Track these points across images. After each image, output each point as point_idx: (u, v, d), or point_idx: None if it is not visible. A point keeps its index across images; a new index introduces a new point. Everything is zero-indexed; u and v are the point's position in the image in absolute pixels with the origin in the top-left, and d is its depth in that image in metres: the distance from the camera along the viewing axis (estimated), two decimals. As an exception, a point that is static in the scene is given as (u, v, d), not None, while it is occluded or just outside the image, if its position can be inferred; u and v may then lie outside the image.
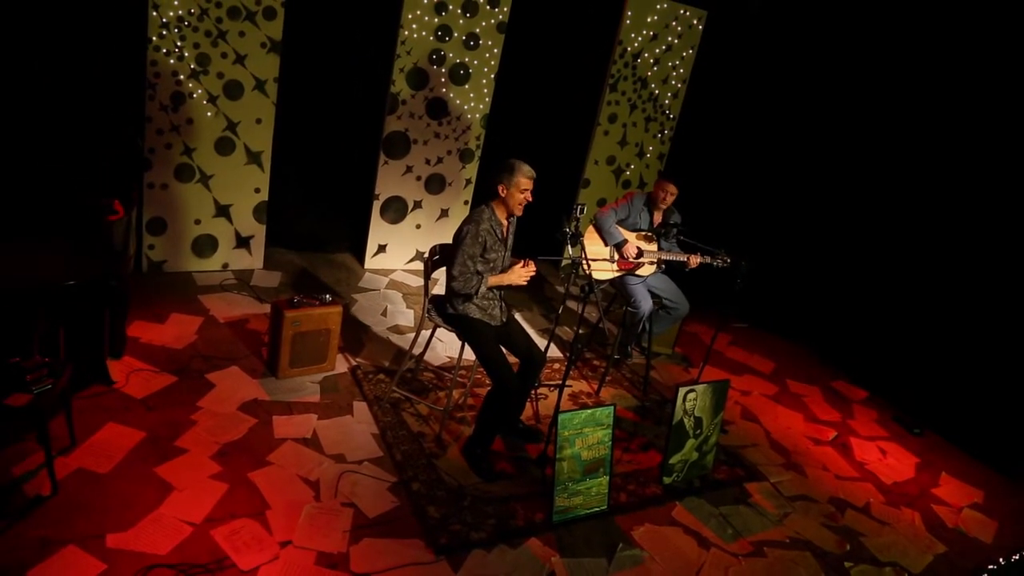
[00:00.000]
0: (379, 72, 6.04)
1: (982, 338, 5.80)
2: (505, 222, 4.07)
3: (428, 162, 6.38)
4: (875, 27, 6.73)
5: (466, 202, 6.73)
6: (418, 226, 6.63)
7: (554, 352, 5.66)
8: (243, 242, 5.92)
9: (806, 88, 7.28)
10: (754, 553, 3.95)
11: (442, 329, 4.26)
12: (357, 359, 5.01)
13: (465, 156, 6.52)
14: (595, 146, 7.04)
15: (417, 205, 6.53)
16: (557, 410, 3.92)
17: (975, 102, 5.95)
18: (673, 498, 4.24)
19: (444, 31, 5.92)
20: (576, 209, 4.08)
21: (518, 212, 4.01)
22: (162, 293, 5.31)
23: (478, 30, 6.06)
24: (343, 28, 5.99)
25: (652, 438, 4.78)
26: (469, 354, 4.21)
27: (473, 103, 6.33)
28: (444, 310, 4.19)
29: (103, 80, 4.90)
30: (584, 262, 4.16)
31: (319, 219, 6.71)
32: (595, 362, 5.73)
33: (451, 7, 5.86)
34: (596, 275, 5.17)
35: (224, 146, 5.51)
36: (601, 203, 7.22)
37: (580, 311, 4.69)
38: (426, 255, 4.43)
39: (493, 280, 4.01)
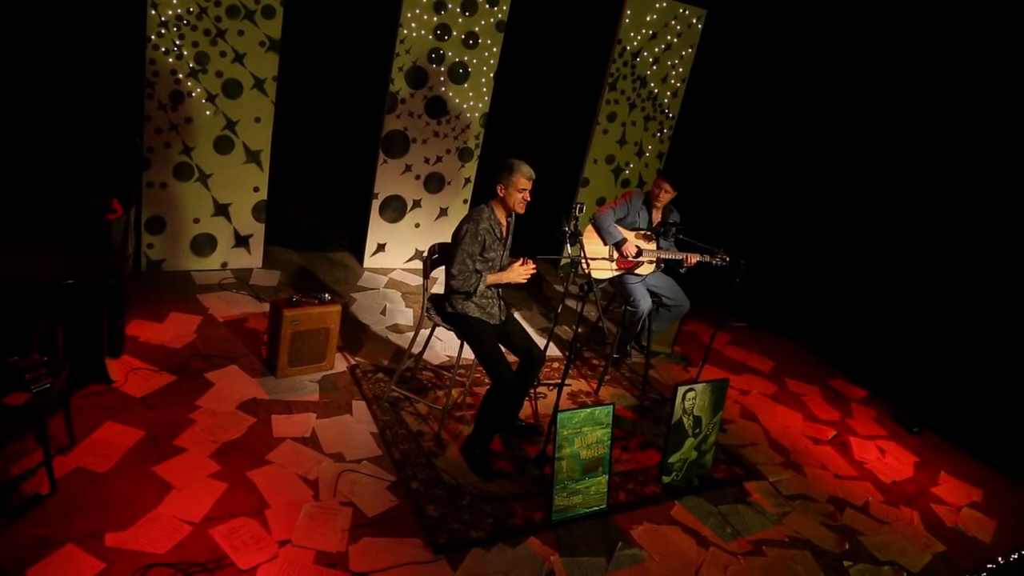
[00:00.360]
0: (378, 71, 6.04)
1: (981, 337, 5.80)
2: (504, 221, 4.07)
3: (427, 161, 6.38)
4: (875, 26, 6.73)
5: (465, 201, 6.73)
6: (417, 225, 6.63)
7: (553, 351, 5.66)
8: (242, 241, 5.91)
9: (805, 87, 7.28)
10: (753, 552, 3.95)
11: (441, 328, 4.26)
12: (356, 358, 5.00)
13: (464, 155, 6.52)
14: (594, 145, 7.04)
15: (416, 204, 6.52)
16: (556, 409, 3.92)
17: (975, 102, 5.95)
18: (672, 497, 4.24)
19: (443, 30, 5.91)
20: (575, 208, 4.08)
21: (519, 210, 4.02)
22: (161, 292, 5.31)
23: (477, 29, 6.06)
24: (342, 27, 5.98)
25: (651, 437, 4.78)
26: (468, 353, 4.21)
27: (472, 102, 6.33)
28: (443, 309, 4.18)
29: (102, 79, 4.90)
30: (583, 261, 4.15)
31: (318, 218, 6.70)
32: (594, 361, 5.73)
33: (450, 6, 5.85)
34: (595, 274, 5.17)
35: (223, 145, 5.50)
36: (600, 202, 7.22)
37: (579, 310, 4.70)
38: (425, 254, 4.43)
39: (492, 278, 4.01)
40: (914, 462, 5.30)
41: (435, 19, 5.85)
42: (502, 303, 4.25)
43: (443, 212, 6.69)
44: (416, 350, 4.91)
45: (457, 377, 4.72)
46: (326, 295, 4.67)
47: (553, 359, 5.57)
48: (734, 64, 7.52)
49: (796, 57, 7.31)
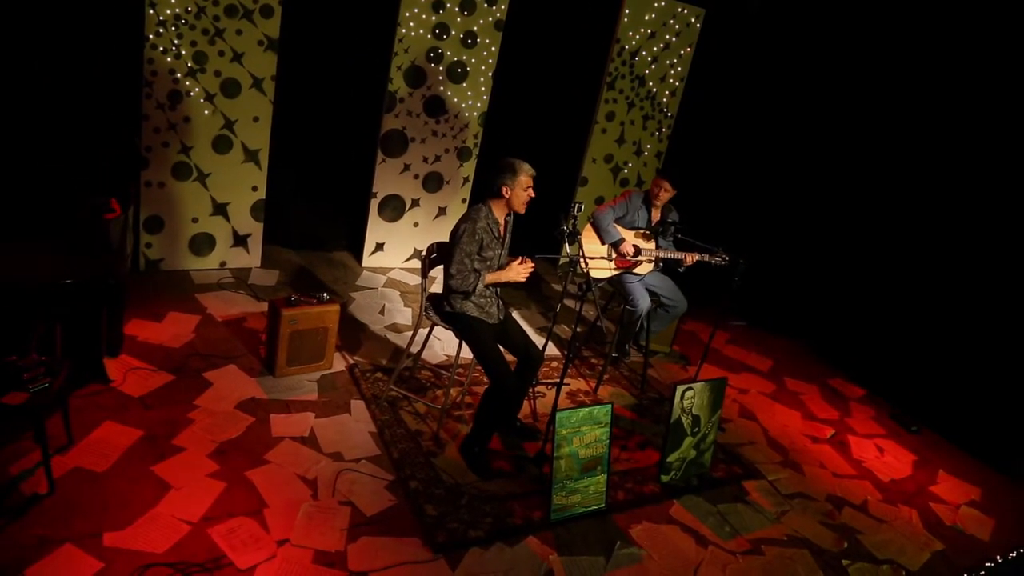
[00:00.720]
0: (377, 70, 6.04)
1: (979, 336, 5.81)
2: (502, 220, 4.07)
3: (426, 160, 6.37)
4: (873, 25, 6.73)
5: (464, 200, 6.73)
6: (416, 224, 6.63)
7: (552, 350, 5.66)
8: (240, 240, 5.91)
9: (804, 86, 7.28)
10: (752, 551, 3.95)
11: (440, 327, 4.26)
12: (355, 357, 5.00)
13: (463, 154, 6.52)
14: (593, 144, 7.04)
15: (415, 203, 6.52)
16: (555, 408, 3.92)
17: (974, 101, 5.95)
18: (671, 496, 4.24)
19: (442, 29, 5.91)
20: (573, 207, 4.08)
21: (522, 210, 4.02)
22: (159, 292, 5.30)
23: (476, 28, 6.05)
24: (341, 26, 5.98)
25: (650, 436, 4.78)
26: (467, 352, 4.21)
27: (471, 101, 6.33)
28: (442, 308, 4.18)
29: (101, 79, 4.89)
30: (582, 260, 4.16)
31: (317, 217, 6.70)
32: (593, 360, 5.73)
33: (448, 5, 5.85)
34: (594, 273, 5.18)
35: (221, 144, 5.50)
36: (599, 201, 7.22)
37: (578, 309, 4.70)
38: (424, 253, 4.43)
39: (491, 277, 4.01)
40: (912, 461, 5.30)
41: (433, 18, 5.85)
42: (500, 302, 4.24)
43: (442, 211, 6.69)
44: (415, 349, 4.91)
45: (456, 376, 4.71)
46: (324, 294, 4.67)
47: (552, 358, 5.57)
48: (733, 63, 7.52)
49: (795, 56, 7.31)
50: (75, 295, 3.75)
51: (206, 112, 5.35)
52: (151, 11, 4.90)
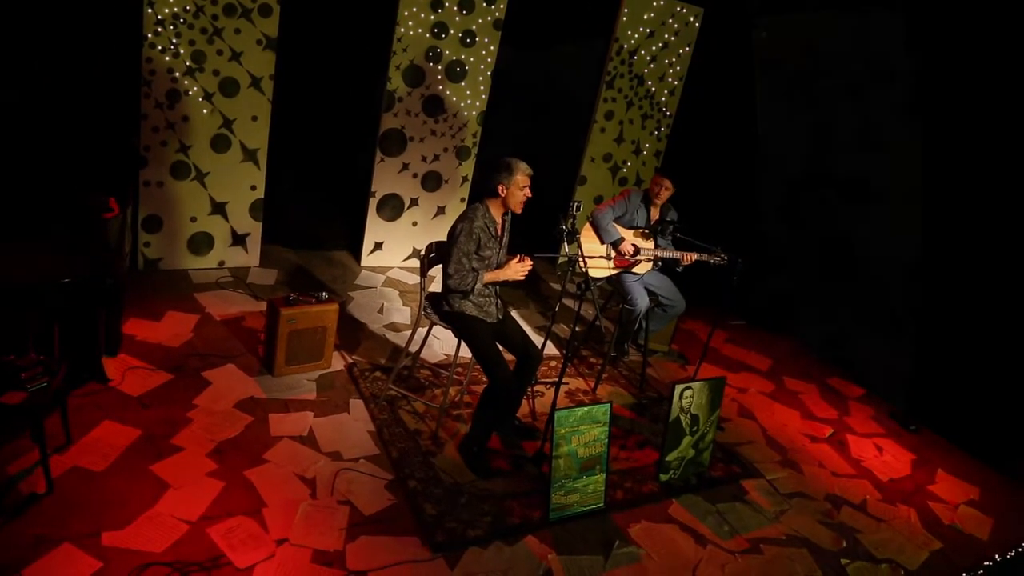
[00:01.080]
0: (375, 69, 6.03)
1: (978, 335, 5.81)
2: (500, 220, 4.07)
3: (424, 159, 6.37)
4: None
5: (462, 199, 6.73)
6: (414, 223, 6.63)
7: (551, 349, 5.66)
8: (239, 240, 5.91)
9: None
10: (751, 550, 3.95)
11: (439, 326, 4.26)
12: (353, 357, 5.00)
13: (461, 153, 6.52)
14: (592, 143, 7.04)
15: (413, 202, 6.52)
16: (554, 407, 3.92)
17: (973, 101, 5.95)
18: (670, 495, 4.25)
19: (440, 28, 5.91)
20: (573, 206, 4.08)
21: (518, 210, 4.03)
22: (158, 291, 5.30)
23: (474, 27, 6.05)
24: (339, 25, 5.98)
25: (649, 435, 4.78)
26: (466, 351, 4.21)
27: (469, 100, 6.32)
28: (440, 307, 4.18)
29: (100, 78, 4.89)
30: (580, 259, 4.16)
31: (315, 217, 6.70)
32: (592, 359, 5.73)
33: (447, 4, 5.85)
34: (593, 273, 5.17)
35: (220, 143, 5.50)
36: (598, 200, 7.22)
37: (577, 309, 4.70)
38: (422, 252, 4.43)
39: (489, 276, 4.01)
40: (911, 460, 5.31)
41: (432, 17, 5.84)
42: (499, 301, 4.24)
43: (440, 210, 6.68)
44: (413, 349, 4.90)
45: (454, 376, 4.71)
46: (323, 294, 4.67)
47: (550, 357, 5.57)
48: (732, 62, 7.52)
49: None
50: (73, 294, 3.75)
51: (204, 111, 5.35)
52: (149, 10, 4.89)
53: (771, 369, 6.33)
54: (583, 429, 3.88)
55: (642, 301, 5.14)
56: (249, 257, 6.02)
